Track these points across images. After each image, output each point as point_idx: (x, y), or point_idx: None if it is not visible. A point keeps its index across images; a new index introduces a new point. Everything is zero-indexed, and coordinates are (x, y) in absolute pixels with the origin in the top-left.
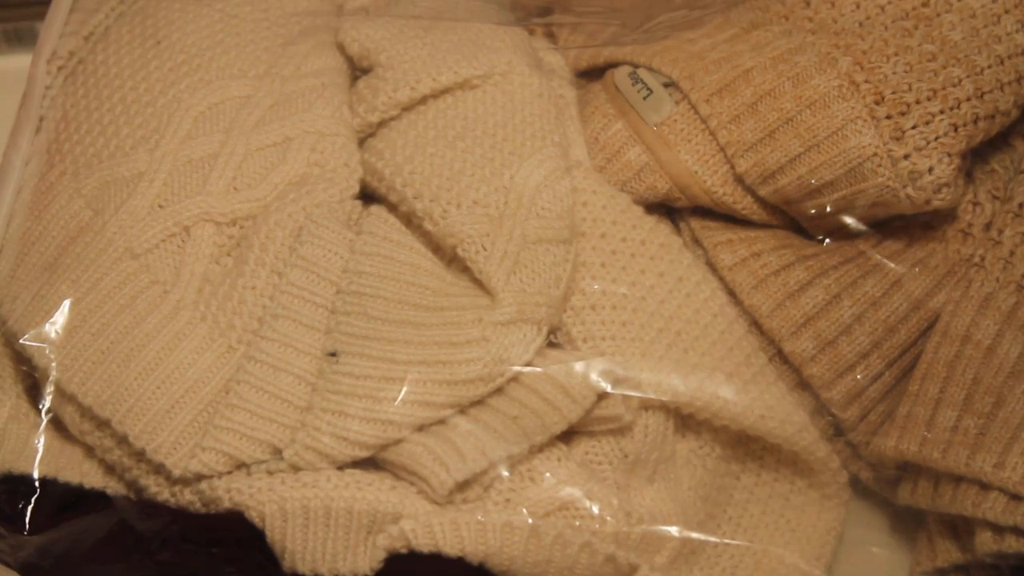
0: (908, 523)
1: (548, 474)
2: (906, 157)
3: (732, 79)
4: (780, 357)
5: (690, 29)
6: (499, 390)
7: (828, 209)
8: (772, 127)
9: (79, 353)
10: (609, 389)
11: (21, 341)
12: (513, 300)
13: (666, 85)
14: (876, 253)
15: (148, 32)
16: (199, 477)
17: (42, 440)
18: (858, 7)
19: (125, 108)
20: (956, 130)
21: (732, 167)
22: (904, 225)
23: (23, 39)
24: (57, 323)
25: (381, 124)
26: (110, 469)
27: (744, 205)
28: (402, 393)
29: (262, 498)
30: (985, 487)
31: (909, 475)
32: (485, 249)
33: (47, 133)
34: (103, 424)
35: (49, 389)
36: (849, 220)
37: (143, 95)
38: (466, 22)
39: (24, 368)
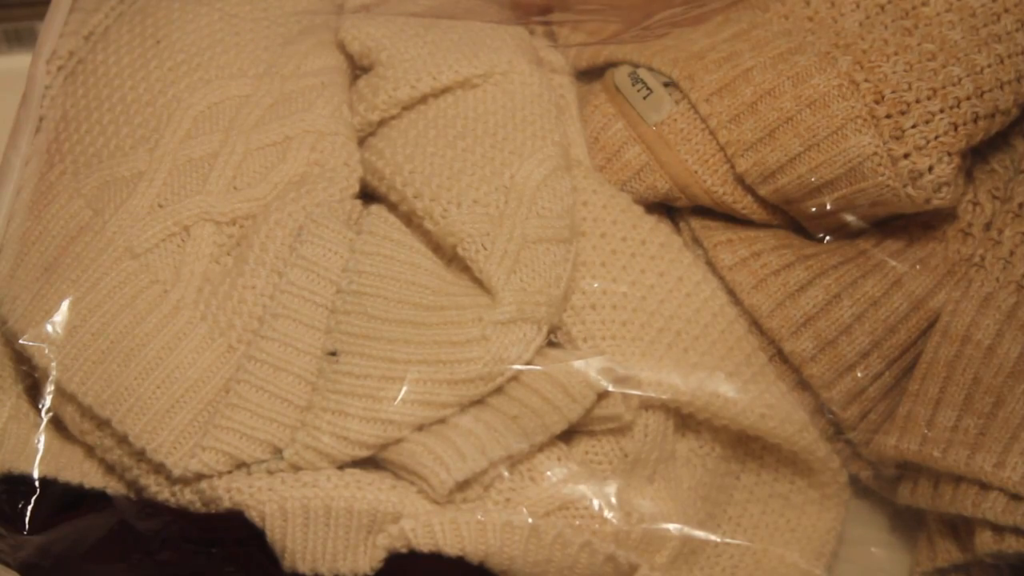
0: (908, 523)
1: (548, 473)
2: (906, 156)
3: (732, 79)
4: (780, 357)
5: (690, 27)
6: (499, 389)
7: (828, 208)
8: (772, 126)
9: (79, 353)
10: (609, 388)
11: (21, 341)
12: (513, 299)
13: (666, 85)
14: (876, 252)
15: (148, 32)
16: (199, 477)
17: (42, 440)
18: (858, 6)
19: (125, 108)
20: (956, 129)
21: (732, 166)
22: (904, 225)
23: (23, 39)
24: (57, 323)
25: (381, 123)
26: (110, 469)
27: (744, 205)
28: (402, 392)
29: (262, 497)
30: (985, 487)
31: (909, 475)
32: (485, 248)
33: (47, 133)
34: (103, 424)
35: (49, 389)
36: (849, 219)
37: (143, 95)
38: (466, 21)
39: (24, 368)
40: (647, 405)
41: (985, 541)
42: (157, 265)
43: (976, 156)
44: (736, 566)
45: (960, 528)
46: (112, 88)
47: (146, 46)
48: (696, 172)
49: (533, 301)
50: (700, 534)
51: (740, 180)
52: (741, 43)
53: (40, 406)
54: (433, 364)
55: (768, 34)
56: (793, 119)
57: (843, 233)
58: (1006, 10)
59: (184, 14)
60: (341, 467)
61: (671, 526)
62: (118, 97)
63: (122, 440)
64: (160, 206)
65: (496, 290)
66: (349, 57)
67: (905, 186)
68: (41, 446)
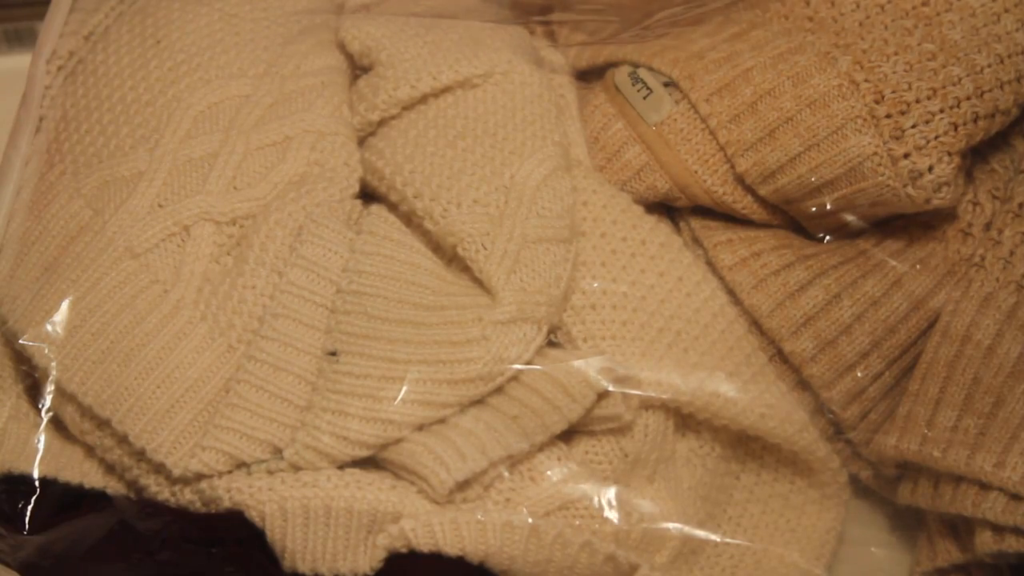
0: (908, 523)
1: (548, 473)
2: (906, 156)
3: (732, 78)
4: (780, 357)
5: (689, 27)
6: (499, 389)
7: (828, 208)
8: (772, 126)
9: (79, 353)
10: (609, 388)
11: (21, 341)
12: (513, 299)
13: (666, 85)
14: (876, 252)
15: (148, 32)
16: (199, 476)
17: (42, 440)
18: (858, 6)
19: (125, 108)
20: (956, 129)
21: (732, 166)
22: (904, 225)
23: (23, 39)
24: (57, 323)
25: (381, 123)
26: (110, 469)
27: (744, 204)
28: (402, 392)
29: (262, 497)
30: (985, 487)
31: (909, 475)
32: (485, 248)
33: (47, 133)
34: (103, 424)
35: (49, 389)
36: (849, 219)
37: (143, 95)
38: (466, 21)
39: (24, 368)
40: (647, 405)
41: (985, 541)
42: (157, 265)
43: (976, 156)
44: (736, 566)
45: (960, 528)
46: (112, 88)
47: (146, 46)
48: (696, 172)
49: (533, 301)
50: (700, 534)
51: (740, 180)
52: (741, 43)
53: (40, 406)
54: (433, 364)
55: (768, 34)
56: (793, 119)
57: (843, 233)
58: (1006, 10)
59: (184, 14)
60: (341, 467)
61: (671, 526)
62: (118, 97)
63: (122, 440)
64: (160, 206)
65: (496, 290)
66: (349, 57)
67: (905, 186)
68: (41, 446)
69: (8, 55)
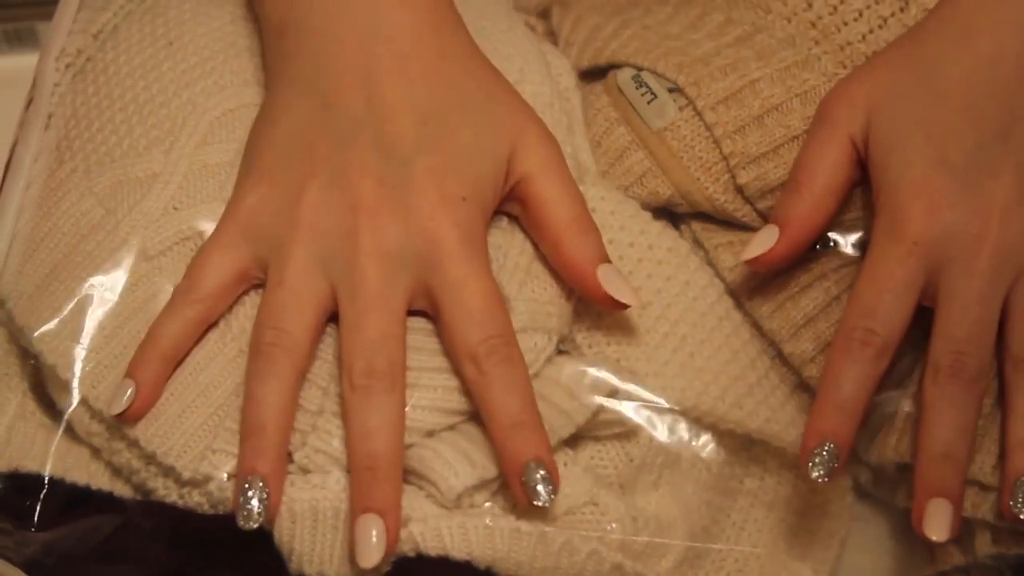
0: (908, 525)
1: None
2: None
3: (739, 88)
4: (780, 358)
5: (690, 26)
6: None
7: (829, 239)
8: (777, 142)
9: (90, 355)
10: (617, 390)
11: (30, 336)
12: (525, 308)
13: (670, 90)
14: None
15: (159, 32)
16: (208, 479)
17: (56, 441)
18: (860, 15)
19: (138, 108)
20: None
21: (733, 177)
22: None
23: (23, 39)
24: (67, 322)
25: None
26: (117, 471)
27: (744, 213)
28: (413, 398)
29: None
30: (984, 488)
31: (909, 477)
32: (497, 260)
33: (56, 130)
34: (112, 426)
35: (75, 387)
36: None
37: (156, 95)
38: (477, 23)
39: (32, 362)
40: (652, 410)
41: (984, 542)
42: (171, 268)
43: None
44: (740, 571)
45: (961, 530)
46: (124, 88)
47: (158, 46)
48: (699, 179)
49: (544, 311)
50: (705, 539)
51: (741, 190)
52: (746, 49)
53: (56, 407)
54: (445, 371)
55: (773, 41)
56: (800, 138)
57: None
58: None
59: (196, 16)
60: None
61: (676, 531)
62: (130, 97)
63: (132, 443)
64: (175, 208)
65: (508, 300)
66: None
67: None
68: (54, 447)
69: (8, 55)
